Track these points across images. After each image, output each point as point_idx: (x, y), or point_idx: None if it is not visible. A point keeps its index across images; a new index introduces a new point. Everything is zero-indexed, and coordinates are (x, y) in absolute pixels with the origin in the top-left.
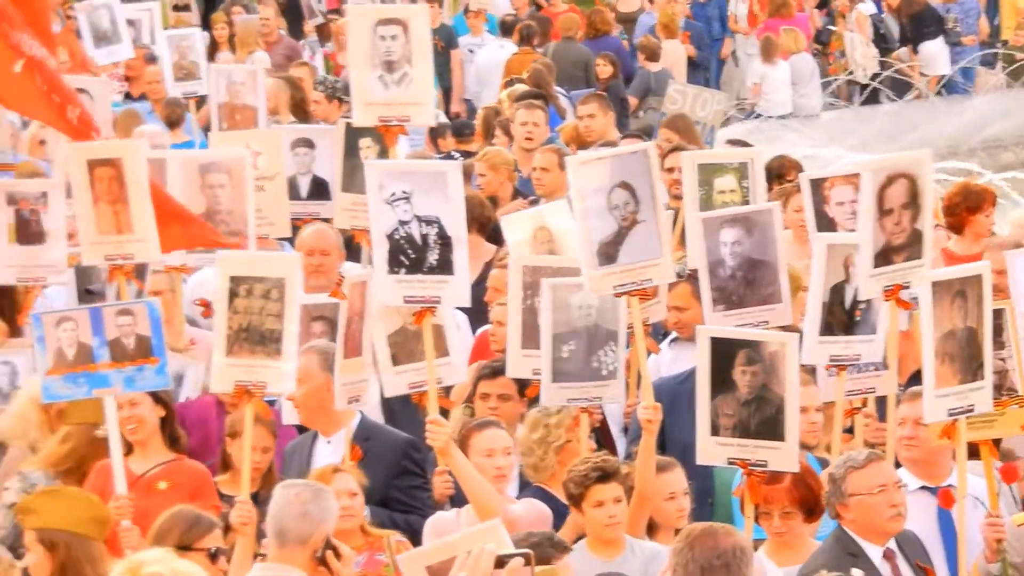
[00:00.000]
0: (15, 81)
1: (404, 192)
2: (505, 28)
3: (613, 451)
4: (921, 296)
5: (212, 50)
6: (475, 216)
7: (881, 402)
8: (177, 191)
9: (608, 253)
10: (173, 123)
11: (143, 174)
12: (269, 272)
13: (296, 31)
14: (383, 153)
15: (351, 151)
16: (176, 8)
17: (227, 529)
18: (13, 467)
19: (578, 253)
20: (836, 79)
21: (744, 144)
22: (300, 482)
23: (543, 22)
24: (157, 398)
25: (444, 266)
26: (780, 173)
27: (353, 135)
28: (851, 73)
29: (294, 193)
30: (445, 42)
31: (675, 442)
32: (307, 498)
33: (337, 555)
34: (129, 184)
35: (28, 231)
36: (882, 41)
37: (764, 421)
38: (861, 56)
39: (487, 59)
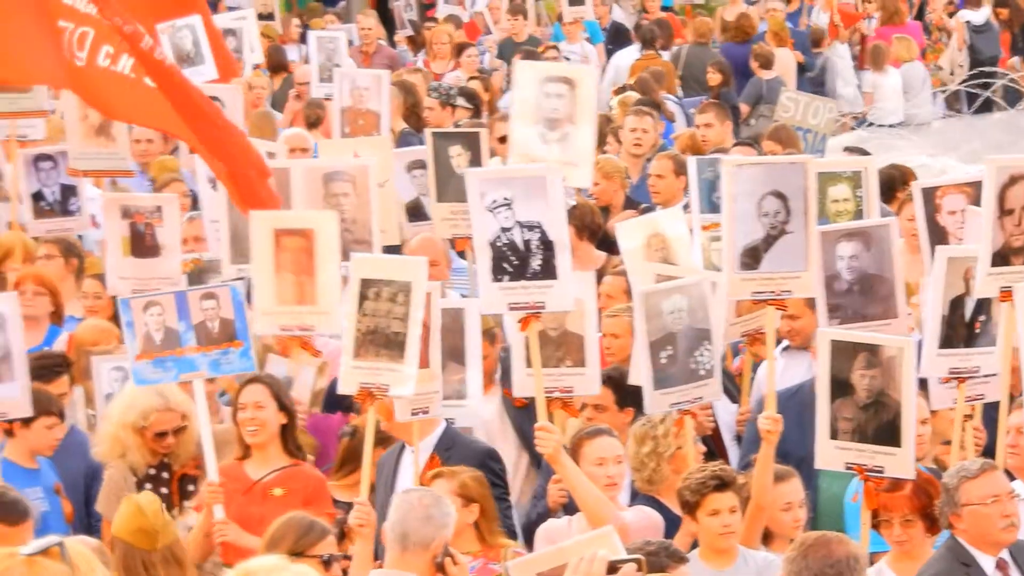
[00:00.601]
0: (138, 92)
1: (505, 199)
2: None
3: (726, 459)
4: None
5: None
6: (586, 224)
7: (989, 409)
8: (300, 201)
9: (751, 258)
10: (312, 124)
11: (335, 245)
12: (396, 275)
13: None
14: (474, 160)
15: (442, 160)
16: (260, 17)
17: (342, 537)
18: (115, 489)
19: (723, 254)
20: (945, 88)
21: (863, 152)
22: (420, 488)
23: (664, 26)
24: (282, 405)
25: (547, 271)
26: (904, 181)
27: (443, 144)
28: (962, 83)
29: (419, 214)
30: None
31: (782, 454)
32: (429, 503)
33: (454, 562)
34: (319, 256)
35: (143, 244)
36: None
37: (881, 426)
38: (947, 62)
39: (625, 62)
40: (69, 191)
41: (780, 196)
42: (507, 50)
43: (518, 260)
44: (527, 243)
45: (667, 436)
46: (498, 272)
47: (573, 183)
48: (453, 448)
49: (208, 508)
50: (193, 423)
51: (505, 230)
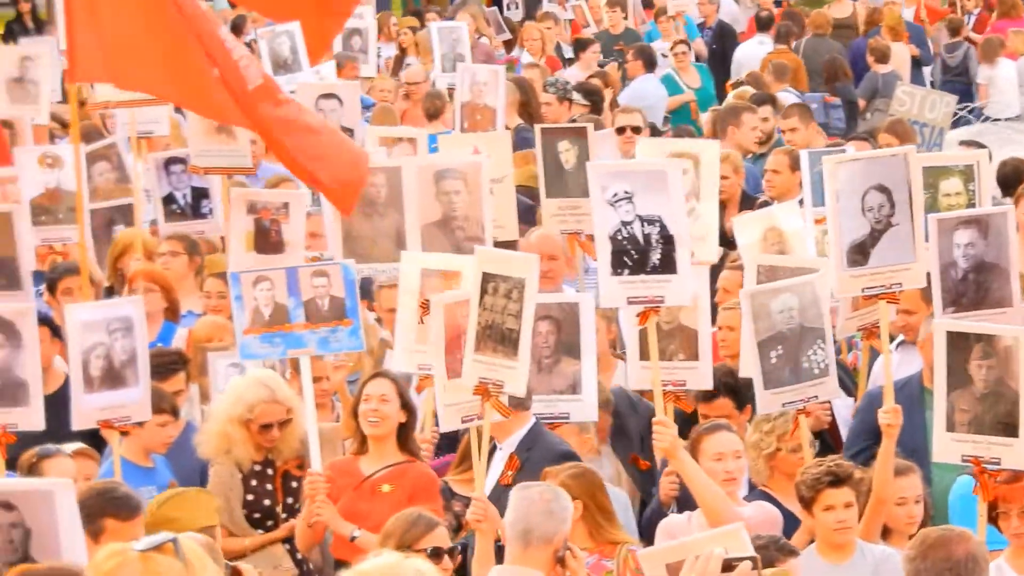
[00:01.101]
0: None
1: (626, 192)
2: (761, 23)
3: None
4: None
5: (399, 59)
6: None
7: None
8: (412, 198)
9: (859, 254)
10: (432, 115)
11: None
12: (513, 271)
13: None
14: (582, 154)
15: (550, 156)
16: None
17: (459, 530)
18: (222, 486)
19: (829, 251)
20: None
21: (979, 145)
22: (538, 483)
23: (797, 19)
24: (404, 402)
25: (667, 265)
26: (1020, 178)
27: (552, 139)
28: None
29: None
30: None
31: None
32: (550, 497)
33: (573, 555)
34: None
35: (267, 240)
36: None
37: (998, 417)
38: None
39: (746, 55)
40: (200, 193)
41: (883, 190)
42: (604, 43)
43: (638, 254)
44: (647, 237)
45: (771, 434)
46: (618, 266)
47: (701, 257)
48: (533, 448)
49: (311, 499)
50: (298, 417)
51: (625, 224)
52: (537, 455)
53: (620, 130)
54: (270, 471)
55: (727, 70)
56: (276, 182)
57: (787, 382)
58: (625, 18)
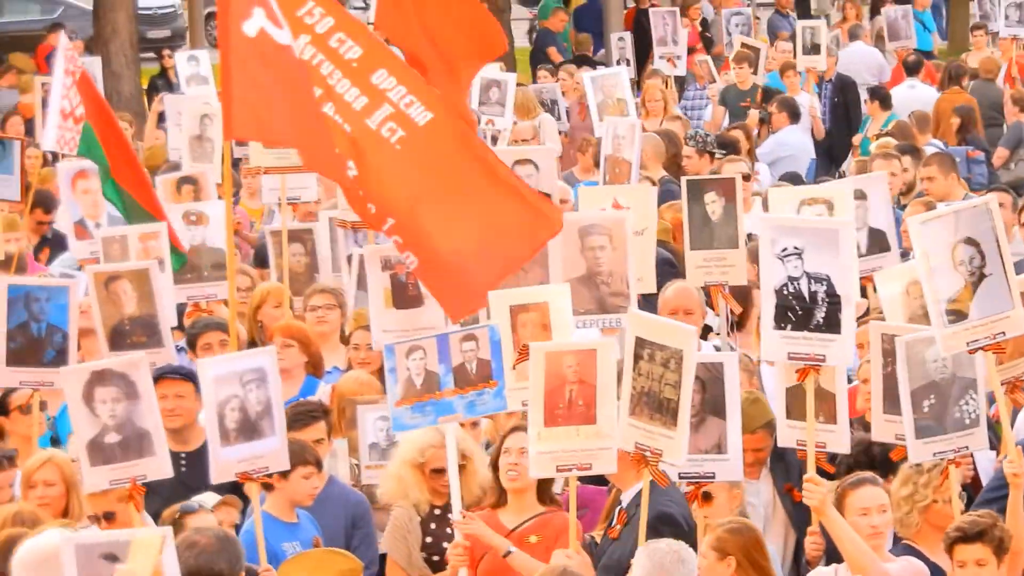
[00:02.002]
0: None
1: (796, 248)
2: (909, 68)
3: None
4: None
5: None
6: None
7: None
8: (557, 253)
9: (958, 310)
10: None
11: (568, 317)
12: (670, 341)
13: None
14: (729, 207)
15: (696, 207)
16: None
17: None
18: (400, 529)
19: (929, 311)
20: None
21: None
22: (665, 540)
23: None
24: None
25: (831, 324)
26: None
27: (697, 191)
28: None
29: None
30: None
31: None
32: (677, 548)
33: None
34: (554, 328)
35: (405, 295)
36: None
37: None
38: None
39: (901, 99)
40: None
41: (972, 242)
42: (730, 98)
43: (802, 310)
44: (813, 294)
45: (927, 487)
46: (781, 320)
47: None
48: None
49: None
50: (473, 463)
51: (793, 279)
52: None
53: (746, 177)
54: (450, 515)
55: (850, 122)
56: None
57: (939, 432)
58: (754, 73)
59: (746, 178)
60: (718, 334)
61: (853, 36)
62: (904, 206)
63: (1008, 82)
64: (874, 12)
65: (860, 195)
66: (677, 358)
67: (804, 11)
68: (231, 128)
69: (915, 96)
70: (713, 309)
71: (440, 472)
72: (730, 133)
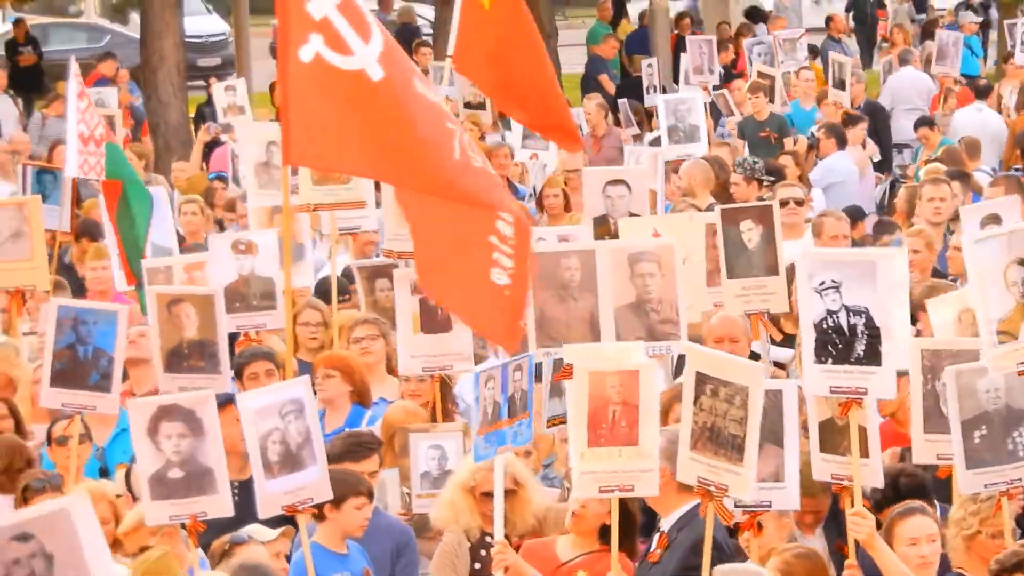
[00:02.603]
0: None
1: (834, 281)
2: (980, 92)
3: None
4: None
5: None
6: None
7: None
8: (606, 281)
9: (1009, 331)
10: None
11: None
12: (735, 378)
13: None
14: (767, 237)
15: (732, 235)
16: (468, 106)
17: None
18: (448, 555)
19: (979, 331)
20: None
21: None
22: (732, 565)
23: None
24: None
25: (871, 357)
26: None
27: (734, 219)
28: None
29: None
30: (777, 132)
31: None
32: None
33: None
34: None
35: (434, 320)
36: None
37: None
38: None
39: (966, 121)
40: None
41: None
42: (748, 129)
43: (843, 344)
44: (853, 327)
45: (976, 515)
46: (821, 354)
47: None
48: (684, 528)
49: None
50: (526, 490)
51: (831, 312)
52: (684, 536)
53: (783, 203)
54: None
55: (881, 147)
56: None
57: (991, 463)
58: (771, 102)
59: (799, 203)
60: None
61: (903, 61)
62: (953, 232)
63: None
64: (925, 37)
65: (994, 219)
66: (743, 395)
67: (866, 37)
68: (289, 155)
69: (981, 120)
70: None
71: (490, 496)
72: (779, 159)
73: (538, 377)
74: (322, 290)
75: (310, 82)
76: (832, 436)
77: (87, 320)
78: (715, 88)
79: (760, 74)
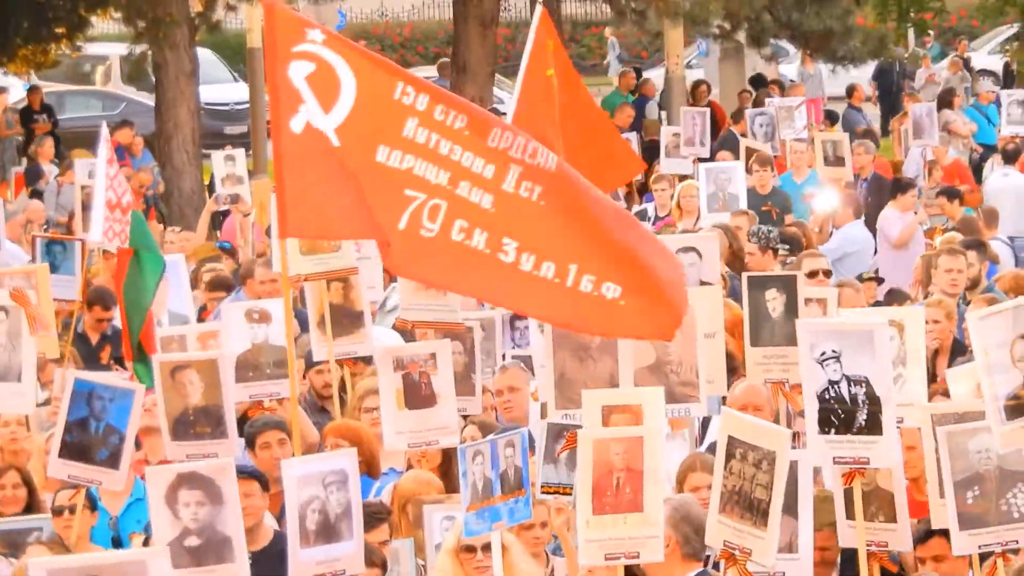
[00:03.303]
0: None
1: (834, 351)
2: (1007, 156)
3: None
4: None
5: None
6: None
7: None
8: (627, 342)
9: (1016, 406)
10: None
11: (662, 419)
12: (763, 443)
13: None
14: (790, 304)
15: (756, 304)
16: None
17: None
18: None
19: (986, 408)
20: None
21: None
22: None
23: None
24: None
25: (873, 426)
26: None
27: (758, 287)
28: None
29: None
30: (780, 207)
31: None
32: None
33: None
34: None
35: (418, 395)
36: None
37: None
38: None
39: (994, 187)
40: None
41: None
42: (750, 203)
43: (844, 413)
44: (854, 396)
45: None
46: (824, 424)
47: (909, 423)
48: None
49: None
50: (511, 553)
51: (833, 383)
52: None
53: (811, 274)
54: None
55: None
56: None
57: (984, 524)
58: (774, 176)
59: (828, 274)
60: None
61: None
62: (969, 302)
63: None
64: (941, 106)
65: None
66: (770, 459)
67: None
68: (286, 228)
69: (1009, 184)
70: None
71: (470, 551)
72: (791, 228)
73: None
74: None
75: (303, 152)
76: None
77: (103, 396)
78: (703, 160)
79: (750, 149)
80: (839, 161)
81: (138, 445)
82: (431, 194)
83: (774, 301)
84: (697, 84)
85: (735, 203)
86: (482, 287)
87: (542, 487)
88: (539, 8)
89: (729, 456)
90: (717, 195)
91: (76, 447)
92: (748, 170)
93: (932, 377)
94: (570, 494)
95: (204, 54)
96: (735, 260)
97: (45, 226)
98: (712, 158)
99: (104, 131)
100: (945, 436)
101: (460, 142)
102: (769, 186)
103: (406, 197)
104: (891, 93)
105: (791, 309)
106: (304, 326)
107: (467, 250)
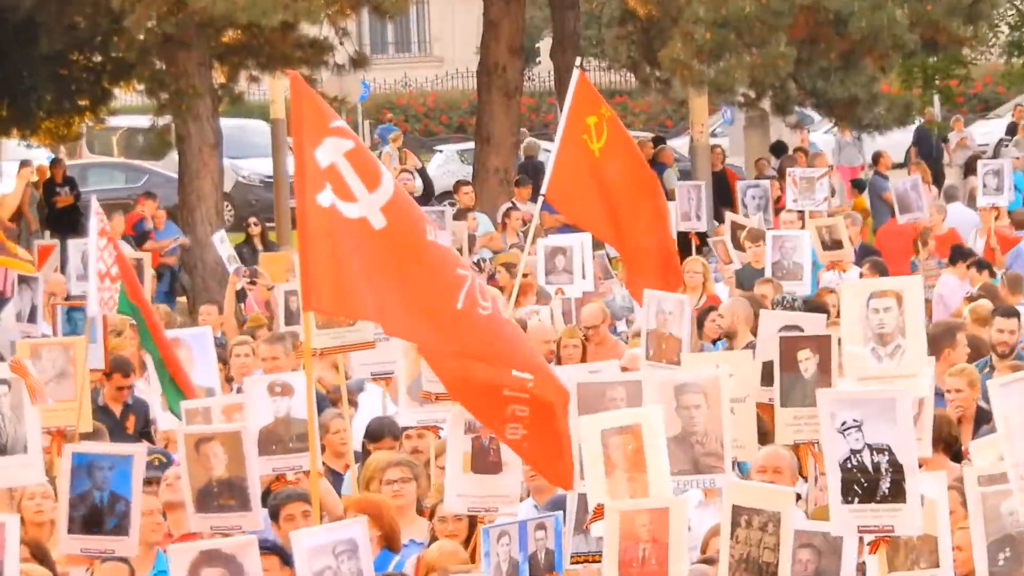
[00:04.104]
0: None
1: (855, 420)
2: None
3: None
4: None
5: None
6: (941, 436)
7: None
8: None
9: None
10: None
11: (662, 438)
12: (767, 504)
13: None
14: (823, 365)
15: (789, 364)
16: None
17: None
18: None
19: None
20: None
21: None
22: None
23: None
24: None
25: (896, 494)
26: None
27: (791, 348)
28: None
29: None
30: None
31: None
32: None
33: None
34: (647, 450)
35: (485, 460)
36: None
37: None
38: None
39: (1010, 252)
40: None
41: None
42: (746, 278)
43: (868, 482)
44: (876, 465)
45: None
46: (847, 494)
47: (914, 394)
48: None
49: None
50: None
51: (855, 452)
52: None
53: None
54: None
55: None
56: None
57: None
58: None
59: None
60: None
61: (950, 197)
62: (994, 368)
63: (987, 254)
64: (968, 172)
65: None
66: (775, 520)
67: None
68: (309, 300)
69: None
70: (801, 472)
71: None
72: (821, 297)
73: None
74: (371, 432)
75: (326, 228)
76: (898, 552)
77: (103, 465)
78: (699, 234)
79: (735, 224)
80: (836, 244)
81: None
82: (469, 274)
83: (807, 362)
84: (711, 149)
85: (800, 272)
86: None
87: (572, 557)
88: (576, 72)
89: (735, 525)
90: (782, 263)
91: (85, 520)
92: (739, 246)
93: (955, 440)
94: (599, 561)
95: (259, 125)
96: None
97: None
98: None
99: (94, 203)
100: (979, 498)
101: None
102: (764, 262)
103: (459, 276)
104: (931, 158)
105: (824, 370)
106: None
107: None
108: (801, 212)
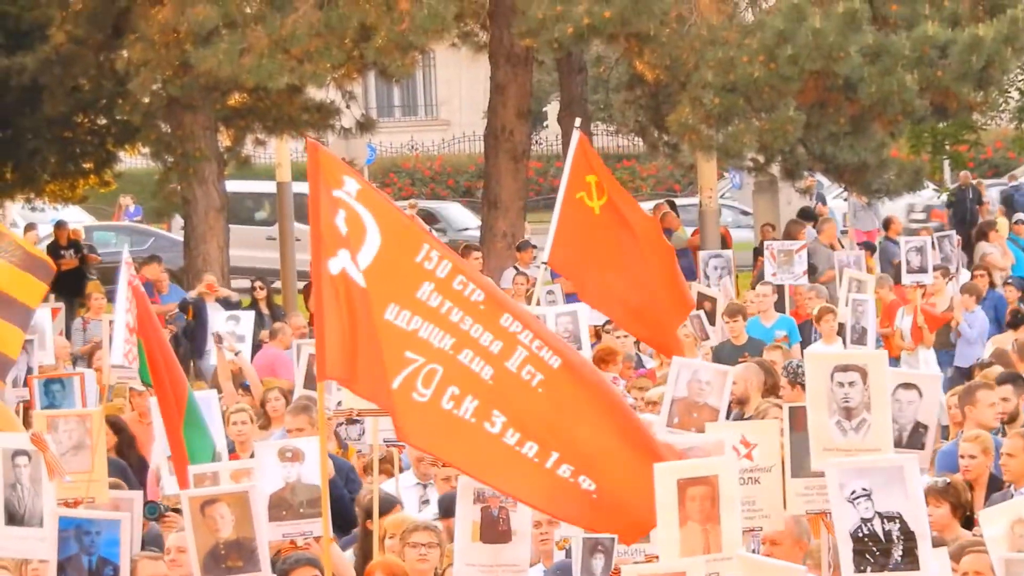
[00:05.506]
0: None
1: (864, 489)
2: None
3: None
4: None
5: None
6: (960, 503)
7: None
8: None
9: None
10: None
11: (737, 489)
12: None
13: None
14: None
15: (797, 437)
16: None
17: None
18: None
19: None
20: None
21: None
22: None
23: None
24: None
25: (909, 562)
26: None
27: (800, 420)
28: None
29: None
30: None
31: None
32: None
33: None
34: (723, 501)
35: (495, 530)
36: None
37: None
38: None
39: None
40: None
41: None
42: (724, 355)
43: (879, 551)
44: (888, 533)
45: None
46: (860, 564)
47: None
48: None
49: None
50: None
51: (865, 520)
52: None
53: None
54: None
55: None
56: None
57: None
58: (712, 324)
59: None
60: None
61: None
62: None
63: (914, 334)
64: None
65: None
66: None
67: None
68: (324, 369)
69: None
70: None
71: None
72: None
73: None
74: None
75: (337, 296)
76: None
77: (90, 530)
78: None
79: (701, 295)
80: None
81: None
82: (430, 358)
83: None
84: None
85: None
86: (466, 459)
87: None
88: (576, 133)
89: None
90: (854, 328)
91: None
92: (712, 321)
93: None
94: None
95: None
96: (770, 394)
97: (71, 364)
98: None
99: (125, 253)
100: (1003, 564)
101: (472, 314)
102: (743, 337)
103: (405, 359)
104: (965, 221)
105: None
106: None
107: (454, 419)
108: (779, 286)
